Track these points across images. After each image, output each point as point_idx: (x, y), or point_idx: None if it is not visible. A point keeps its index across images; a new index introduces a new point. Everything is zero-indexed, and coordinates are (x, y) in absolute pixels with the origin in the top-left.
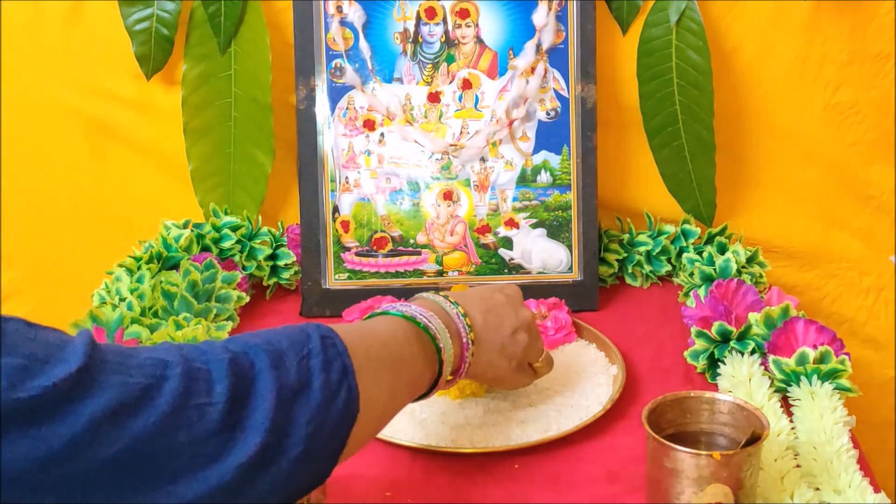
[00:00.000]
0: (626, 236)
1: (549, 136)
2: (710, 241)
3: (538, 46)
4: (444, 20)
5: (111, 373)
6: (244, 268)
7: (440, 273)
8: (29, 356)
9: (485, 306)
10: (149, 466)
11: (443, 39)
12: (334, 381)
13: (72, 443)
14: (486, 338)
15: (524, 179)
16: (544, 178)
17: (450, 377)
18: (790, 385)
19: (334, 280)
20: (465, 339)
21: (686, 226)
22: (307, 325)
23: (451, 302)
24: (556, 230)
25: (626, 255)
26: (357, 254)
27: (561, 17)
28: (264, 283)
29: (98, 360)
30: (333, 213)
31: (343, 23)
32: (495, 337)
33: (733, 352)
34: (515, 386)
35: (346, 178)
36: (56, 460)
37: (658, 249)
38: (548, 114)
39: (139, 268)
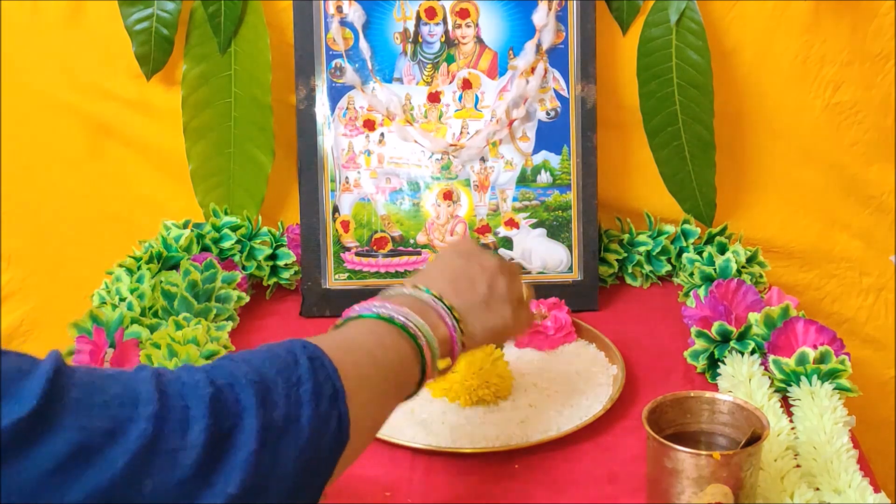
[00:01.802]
0: (626, 236)
1: (549, 136)
2: (710, 241)
3: (538, 46)
4: (444, 20)
5: (71, 413)
6: (244, 268)
7: None
8: None
9: (449, 276)
10: None
11: (443, 39)
12: (324, 411)
13: (19, 494)
14: (467, 307)
15: (524, 179)
16: (544, 178)
17: (447, 363)
18: (790, 385)
19: (334, 280)
20: (448, 322)
21: (686, 226)
22: (293, 344)
23: (421, 289)
24: (556, 230)
25: (626, 255)
26: (357, 254)
27: (561, 17)
28: (264, 283)
29: (59, 396)
30: (333, 213)
31: (343, 23)
32: (475, 299)
33: (733, 352)
34: (522, 329)
35: (346, 178)
36: None
37: (658, 249)
38: (548, 114)
39: (139, 268)
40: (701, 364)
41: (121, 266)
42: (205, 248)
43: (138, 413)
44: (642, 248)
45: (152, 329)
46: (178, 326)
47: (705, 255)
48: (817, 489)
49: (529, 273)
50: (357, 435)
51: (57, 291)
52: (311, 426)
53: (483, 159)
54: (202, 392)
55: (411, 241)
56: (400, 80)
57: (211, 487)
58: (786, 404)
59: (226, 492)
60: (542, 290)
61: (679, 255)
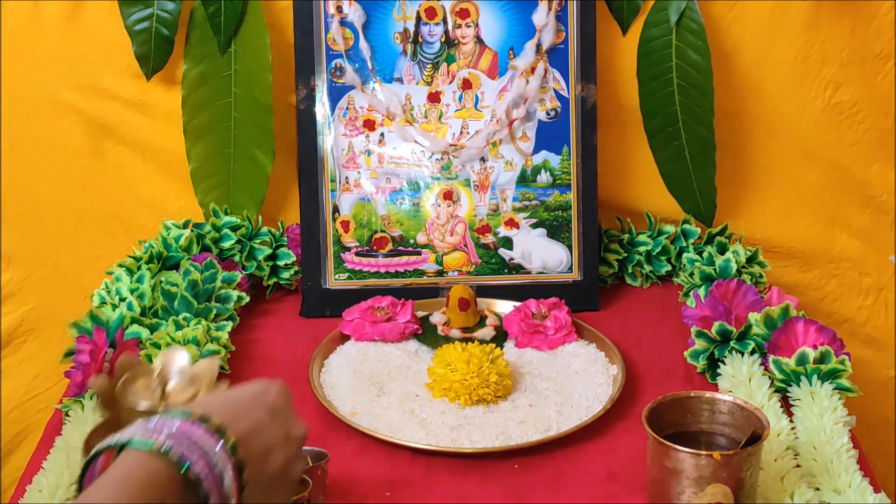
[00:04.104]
0: (626, 236)
1: (549, 136)
2: (710, 241)
3: (538, 46)
4: (444, 20)
5: None
6: (244, 268)
7: (440, 273)
8: None
9: (248, 425)
10: None
11: (443, 39)
12: None
13: None
14: (253, 477)
15: (524, 179)
16: (544, 178)
17: None
18: (790, 385)
19: (334, 280)
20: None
21: (686, 226)
22: None
23: (214, 432)
24: (556, 230)
25: (626, 255)
26: (357, 254)
27: (561, 17)
28: (264, 283)
29: None
30: (333, 213)
31: (343, 23)
32: (262, 470)
33: (733, 352)
34: None
35: (346, 178)
36: None
37: (658, 249)
38: (548, 114)
39: (139, 268)
40: (701, 364)
41: (121, 266)
42: (205, 248)
43: None
44: (642, 248)
45: (152, 329)
46: (178, 326)
47: (705, 255)
48: (817, 489)
49: (529, 273)
50: None
51: (57, 291)
52: None
53: (483, 159)
54: None
55: (411, 241)
56: (400, 80)
57: None
58: (786, 404)
59: None
60: (542, 290)
61: (679, 255)
